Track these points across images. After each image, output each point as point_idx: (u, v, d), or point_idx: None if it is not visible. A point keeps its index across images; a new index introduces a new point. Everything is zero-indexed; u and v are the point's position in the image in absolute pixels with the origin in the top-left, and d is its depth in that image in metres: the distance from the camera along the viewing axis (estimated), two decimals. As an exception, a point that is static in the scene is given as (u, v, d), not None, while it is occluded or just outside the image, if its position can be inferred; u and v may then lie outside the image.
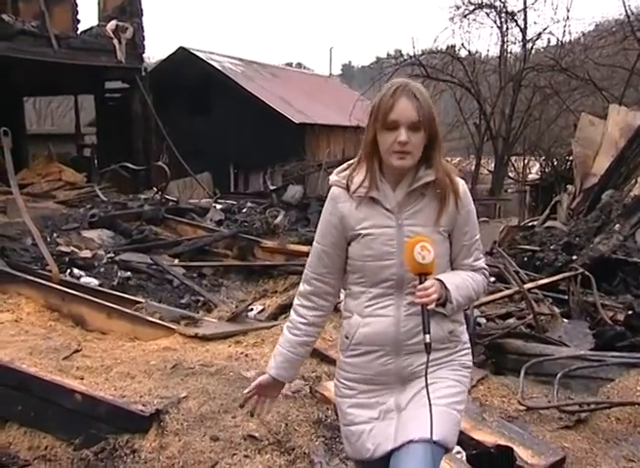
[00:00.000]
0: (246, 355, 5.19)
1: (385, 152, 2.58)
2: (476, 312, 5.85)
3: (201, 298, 7.14)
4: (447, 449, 2.64)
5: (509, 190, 28.28)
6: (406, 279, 2.60)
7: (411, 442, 2.54)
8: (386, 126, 2.55)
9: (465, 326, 2.82)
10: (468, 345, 2.80)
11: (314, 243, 2.79)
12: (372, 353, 2.66)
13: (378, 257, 2.61)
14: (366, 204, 2.65)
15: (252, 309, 6.32)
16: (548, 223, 11.49)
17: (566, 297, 7.27)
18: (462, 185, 2.68)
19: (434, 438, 2.49)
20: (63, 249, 8.17)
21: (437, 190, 2.61)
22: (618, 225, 9.20)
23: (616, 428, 4.58)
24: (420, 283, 2.49)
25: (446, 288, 2.56)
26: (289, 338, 2.79)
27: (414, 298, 2.52)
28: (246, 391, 2.85)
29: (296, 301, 2.81)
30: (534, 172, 30.05)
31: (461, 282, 2.65)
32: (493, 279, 7.25)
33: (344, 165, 2.76)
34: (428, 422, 2.49)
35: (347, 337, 2.69)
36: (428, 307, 2.47)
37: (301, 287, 2.81)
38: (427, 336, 2.46)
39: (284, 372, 2.81)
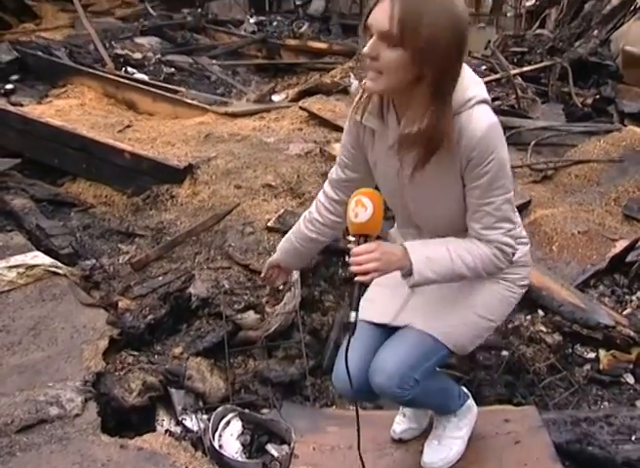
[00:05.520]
0: (268, 127, 5.07)
1: None
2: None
3: (234, 90, 6.94)
4: (451, 352, 1.98)
5: (508, 14, 26.84)
6: (413, 222, 1.94)
7: (408, 326, 1.95)
8: (365, 32, 1.65)
9: (520, 246, 1.95)
10: (519, 264, 1.99)
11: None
12: None
13: (387, 194, 1.91)
14: (374, 132, 1.86)
15: (275, 93, 6.17)
16: (537, 31, 10.93)
17: (546, 89, 7.04)
18: (480, 128, 1.67)
19: (434, 333, 1.91)
20: (119, 52, 7.88)
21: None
22: (596, 31, 8.75)
23: (574, 182, 4.54)
24: (358, 246, 1.72)
25: (409, 259, 1.76)
26: (302, 231, 2.13)
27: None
28: (262, 273, 2.29)
29: (320, 194, 2.11)
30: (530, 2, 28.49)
31: (442, 254, 1.78)
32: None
33: None
34: (437, 319, 1.93)
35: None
36: (359, 279, 1.70)
37: (333, 171, 2.08)
38: (353, 315, 1.72)
39: (289, 259, 2.21)
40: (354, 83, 5.73)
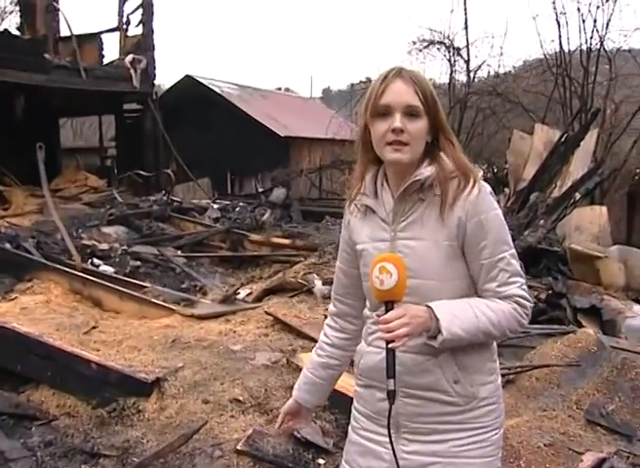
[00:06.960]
0: (234, 331, 5.14)
1: (378, 146, 1.81)
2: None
3: (198, 283, 7.08)
4: None
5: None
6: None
7: None
8: (377, 112, 1.79)
9: (494, 376, 1.91)
10: (491, 402, 1.88)
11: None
12: (371, 387, 1.93)
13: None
14: (365, 213, 1.91)
15: (240, 292, 6.28)
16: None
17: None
18: (479, 187, 1.80)
19: None
20: (86, 242, 8.08)
21: (436, 192, 1.80)
22: (542, 221, 9.31)
23: (535, 386, 4.63)
24: (387, 312, 1.71)
25: (436, 317, 1.72)
26: (313, 359, 2.13)
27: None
28: (277, 423, 2.18)
29: (326, 320, 2.15)
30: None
31: (466, 311, 1.76)
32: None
33: None
34: None
35: (354, 365, 2.03)
36: (393, 345, 1.68)
37: (330, 306, 2.14)
38: (391, 382, 1.70)
39: (307, 396, 2.11)
40: (318, 283, 5.92)
